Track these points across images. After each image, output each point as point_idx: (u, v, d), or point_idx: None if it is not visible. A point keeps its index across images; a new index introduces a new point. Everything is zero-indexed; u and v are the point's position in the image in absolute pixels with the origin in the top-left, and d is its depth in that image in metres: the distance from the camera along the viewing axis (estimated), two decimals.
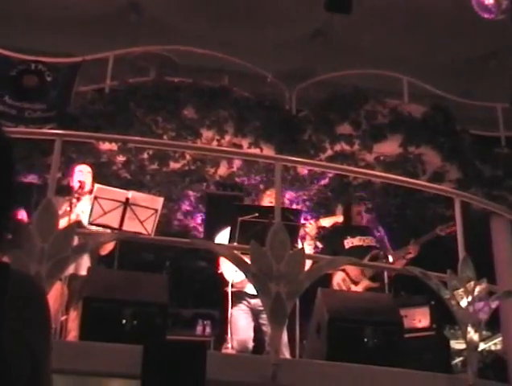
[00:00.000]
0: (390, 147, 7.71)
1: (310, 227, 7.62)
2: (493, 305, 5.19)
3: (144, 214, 5.27)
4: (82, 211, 5.55)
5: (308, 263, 4.94)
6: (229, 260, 4.75)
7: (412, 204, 8.15)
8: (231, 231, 5.31)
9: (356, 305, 5.09)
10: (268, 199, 5.96)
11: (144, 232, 5.26)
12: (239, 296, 5.67)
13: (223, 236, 5.72)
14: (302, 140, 7.62)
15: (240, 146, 7.41)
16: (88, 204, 5.42)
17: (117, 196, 5.28)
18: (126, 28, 9.56)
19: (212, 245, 5.17)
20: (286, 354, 5.48)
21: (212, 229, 6.73)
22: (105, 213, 5.20)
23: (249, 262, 4.56)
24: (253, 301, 5.57)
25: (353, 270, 6.22)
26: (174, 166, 7.50)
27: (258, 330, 5.68)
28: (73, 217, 5.40)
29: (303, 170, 7.66)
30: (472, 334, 4.89)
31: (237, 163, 7.61)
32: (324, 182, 7.92)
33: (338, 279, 6.24)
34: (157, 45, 8.85)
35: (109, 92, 7.72)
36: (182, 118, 7.32)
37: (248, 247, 4.62)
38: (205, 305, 8.30)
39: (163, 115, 7.27)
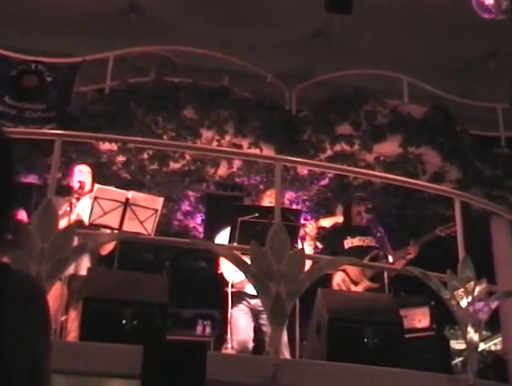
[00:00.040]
0: (389, 147, 7.71)
1: (310, 227, 7.62)
2: (493, 305, 5.19)
3: (144, 214, 5.27)
4: (83, 209, 5.55)
5: (308, 263, 4.94)
6: (229, 261, 4.75)
7: (412, 204, 8.15)
8: (231, 231, 5.31)
9: (356, 306, 5.10)
10: (268, 200, 5.96)
11: (144, 232, 5.25)
12: (239, 296, 5.67)
13: (223, 237, 5.72)
14: (302, 140, 7.62)
15: (240, 146, 7.41)
16: (89, 204, 5.42)
17: (117, 196, 5.28)
18: (126, 28, 9.55)
19: (212, 245, 5.17)
20: (286, 354, 5.48)
21: (212, 229, 6.73)
22: (105, 213, 5.20)
23: (249, 262, 4.56)
24: (253, 301, 5.58)
25: (352, 271, 6.22)
26: (174, 166, 7.50)
27: (257, 330, 5.68)
28: (73, 217, 5.40)
29: (303, 171, 7.66)
30: (472, 335, 4.89)
31: (237, 163, 7.61)
32: (323, 182, 7.92)
33: (338, 279, 6.24)
34: (157, 45, 8.85)
35: (109, 92, 7.72)
36: (182, 118, 7.32)
37: (248, 247, 4.62)
38: (205, 306, 8.30)
39: (163, 115, 7.27)
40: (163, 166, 7.44)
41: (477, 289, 5.05)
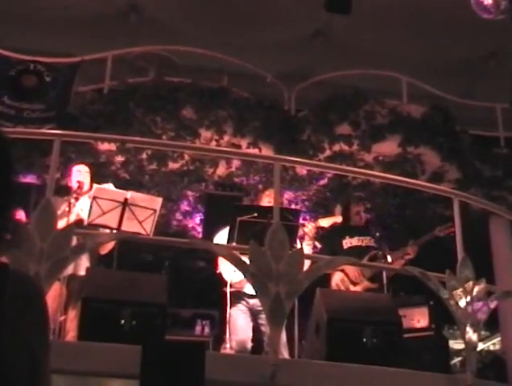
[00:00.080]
0: (389, 147, 7.71)
1: (309, 227, 7.63)
2: (492, 305, 5.19)
3: (143, 214, 5.27)
4: (81, 209, 5.54)
5: (307, 263, 4.94)
6: (228, 261, 4.75)
7: (411, 204, 8.15)
8: (230, 231, 5.31)
9: (355, 306, 5.10)
10: (267, 199, 5.96)
11: (143, 232, 5.25)
12: (238, 296, 5.67)
13: (222, 236, 5.72)
14: (301, 140, 7.62)
15: (239, 146, 7.41)
16: (88, 204, 5.41)
17: (115, 196, 5.28)
18: (126, 28, 9.55)
19: (211, 245, 5.17)
20: (285, 354, 5.48)
21: (210, 229, 6.73)
22: (104, 213, 5.20)
23: (248, 262, 4.56)
24: (251, 301, 5.58)
25: (351, 271, 6.22)
26: (173, 166, 7.50)
27: (256, 330, 5.69)
28: (72, 217, 5.39)
29: (302, 171, 7.66)
30: (471, 334, 4.89)
31: (235, 163, 7.61)
32: (322, 182, 7.92)
33: (337, 279, 6.25)
34: (156, 45, 8.84)
35: (108, 92, 7.72)
36: (181, 118, 7.32)
37: (247, 247, 4.62)
38: (204, 306, 8.29)
39: (162, 115, 7.26)
40: (162, 166, 7.44)
41: (476, 289, 5.06)
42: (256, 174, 7.74)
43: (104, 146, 7.12)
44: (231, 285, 5.64)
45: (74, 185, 5.76)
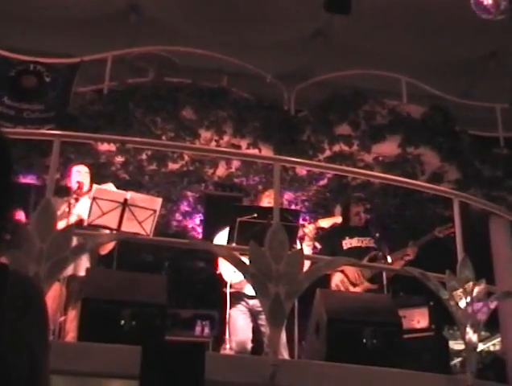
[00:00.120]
0: (388, 148, 7.71)
1: (309, 228, 7.62)
2: (492, 305, 5.18)
3: (143, 214, 5.26)
4: (83, 212, 5.53)
5: (307, 264, 4.94)
6: (228, 261, 4.74)
7: (411, 205, 8.15)
8: (230, 231, 5.31)
9: (354, 306, 5.09)
10: (267, 200, 5.95)
11: (143, 232, 5.25)
12: (238, 297, 5.67)
13: (222, 237, 5.71)
14: (301, 140, 7.62)
15: (238, 147, 7.41)
16: (88, 204, 5.41)
17: (115, 197, 5.27)
18: (126, 29, 9.55)
19: (211, 246, 5.17)
20: (285, 354, 5.48)
21: (210, 230, 6.73)
22: (104, 214, 5.19)
23: (247, 263, 4.56)
24: (251, 301, 5.57)
25: (351, 272, 6.21)
26: (172, 166, 7.50)
27: (256, 330, 5.68)
28: (73, 218, 5.39)
29: (302, 171, 7.66)
30: (471, 335, 4.89)
31: (235, 164, 7.61)
32: (322, 182, 7.92)
33: (337, 280, 6.24)
34: (156, 45, 8.84)
35: (108, 92, 7.71)
36: (181, 119, 7.32)
37: (247, 247, 4.62)
38: (204, 306, 8.30)
39: (161, 115, 7.26)
40: (162, 167, 7.44)
41: (476, 290, 5.05)
42: (256, 175, 7.75)
43: (104, 147, 7.11)
44: (231, 286, 5.64)
45: (74, 185, 5.75)
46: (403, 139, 7.69)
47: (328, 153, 7.65)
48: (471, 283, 5.04)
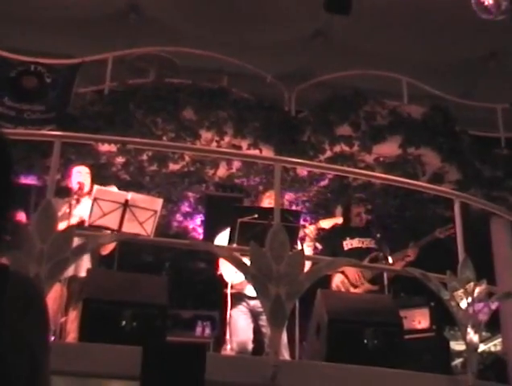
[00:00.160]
0: (389, 148, 7.71)
1: (310, 228, 7.62)
2: (493, 306, 5.18)
3: (143, 215, 5.26)
4: (84, 213, 5.53)
5: (308, 264, 4.93)
6: (229, 262, 4.74)
7: (412, 205, 8.15)
8: (230, 232, 5.30)
9: (355, 307, 5.09)
10: (267, 201, 5.95)
11: (143, 233, 5.25)
12: (238, 297, 5.66)
13: (222, 238, 5.71)
14: (301, 141, 7.62)
15: (239, 147, 7.40)
16: (89, 205, 5.41)
17: (116, 198, 5.27)
18: (126, 29, 9.55)
19: (212, 246, 5.16)
20: (286, 355, 5.48)
21: (211, 230, 6.73)
22: (105, 214, 5.19)
23: (248, 263, 4.56)
24: (252, 302, 5.57)
25: (352, 273, 6.21)
26: (173, 167, 7.50)
27: (257, 331, 5.68)
28: (74, 219, 5.39)
29: (303, 172, 7.66)
30: (472, 336, 4.89)
31: (236, 164, 7.61)
32: (323, 183, 7.92)
33: (337, 281, 6.23)
34: (156, 46, 8.84)
35: (109, 93, 7.72)
36: (181, 119, 7.32)
37: (247, 248, 4.61)
38: (205, 307, 8.30)
39: (162, 116, 7.26)
40: (163, 167, 7.44)
41: (477, 290, 5.05)
42: (256, 176, 7.75)
43: (104, 147, 7.11)
44: (232, 287, 5.64)
45: (74, 186, 5.75)
46: (404, 139, 7.69)
47: (328, 153, 7.65)
48: (472, 284, 5.04)
